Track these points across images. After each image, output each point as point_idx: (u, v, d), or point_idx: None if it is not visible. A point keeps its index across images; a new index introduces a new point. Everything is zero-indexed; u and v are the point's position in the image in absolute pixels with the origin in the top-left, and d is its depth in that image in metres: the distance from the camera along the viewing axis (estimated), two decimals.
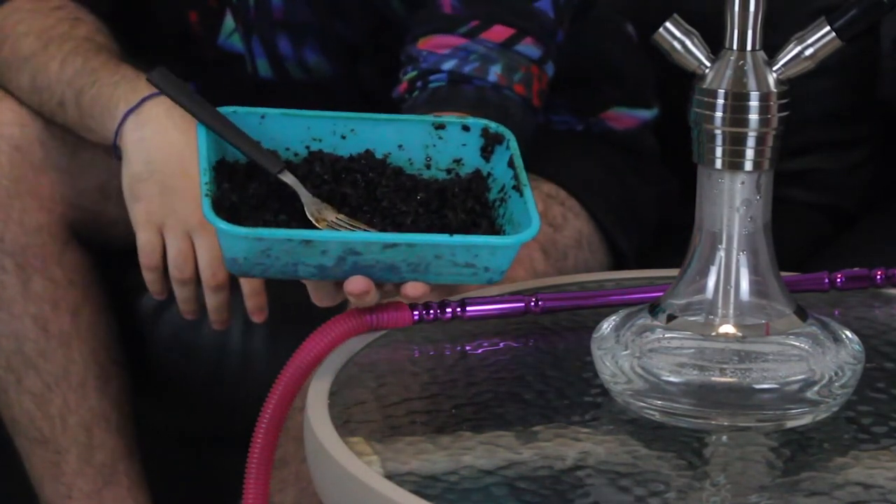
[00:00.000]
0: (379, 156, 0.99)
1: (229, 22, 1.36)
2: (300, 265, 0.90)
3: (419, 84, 1.23)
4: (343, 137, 1.00)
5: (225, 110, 0.98)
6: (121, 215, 1.32)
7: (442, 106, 1.19)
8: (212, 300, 1.20)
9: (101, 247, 1.34)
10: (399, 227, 0.95)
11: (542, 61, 1.24)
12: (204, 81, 1.35)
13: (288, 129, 0.99)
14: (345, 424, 0.86)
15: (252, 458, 0.93)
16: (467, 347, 0.98)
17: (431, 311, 0.96)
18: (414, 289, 0.92)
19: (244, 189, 0.96)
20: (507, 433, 0.87)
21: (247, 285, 1.19)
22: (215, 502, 1.36)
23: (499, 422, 0.89)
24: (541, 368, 0.97)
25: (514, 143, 0.99)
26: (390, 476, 0.81)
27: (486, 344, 0.98)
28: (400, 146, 1.00)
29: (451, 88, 1.21)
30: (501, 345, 0.98)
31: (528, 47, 1.24)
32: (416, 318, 0.95)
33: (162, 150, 1.17)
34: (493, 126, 1.00)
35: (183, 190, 1.16)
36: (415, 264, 0.90)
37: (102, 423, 1.32)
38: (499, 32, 1.23)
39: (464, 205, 0.97)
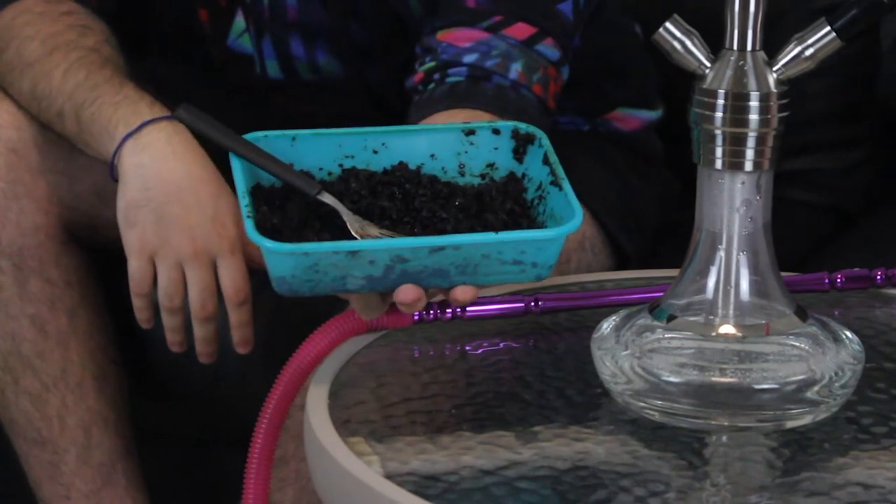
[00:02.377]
0: (412, 167, 1.00)
1: (239, 22, 1.36)
2: (349, 278, 0.90)
3: (437, 76, 1.23)
4: (375, 152, 1.00)
5: (255, 136, 0.99)
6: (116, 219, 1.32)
7: (460, 102, 1.19)
8: (200, 331, 1.19)
9: (98, 248, 1.33)
10: (441, 234, 0.94)
11: (559, 63, 1.25)
12: (209, 81, 1.35)
13: (320, 149, 0.99)
14: (345, 424, 0.86)
15: (252, 457, 0.93)
16: (467, 347, 0.98)
17: (432, 312, 0.96)
18: (464, 293, 0.92)
19: (283, 211, 0.96)
20: (507, 433, 0.87)
21: (234, 317, 1.18)
22: (214, 502, 1.36)
23: (499, 422, 0.90)
24: (541, 368, 0.97)
25: (546, 141, 0.99)
26: (390, 476, 0.81)
27: (486, 344, 0.98)
28: (432, 155, 1.00)
29: (470, 84, 1.21)
30: (501, 345, 0.99)
31: (548, 48, 1.24)
32: (417, 318, 0.96)
33: (160, 177, 1.16)
34: (524, 127, 1.01)
35: (178, 219, 1.15)
36: (462, 266, 0.90)
37: (100, 424, 1.32)
38: (521, 30, 1.23)
39: (503, 206, 0.97)
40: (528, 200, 0.98)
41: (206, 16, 1.37)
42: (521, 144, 1.00)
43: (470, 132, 1.01)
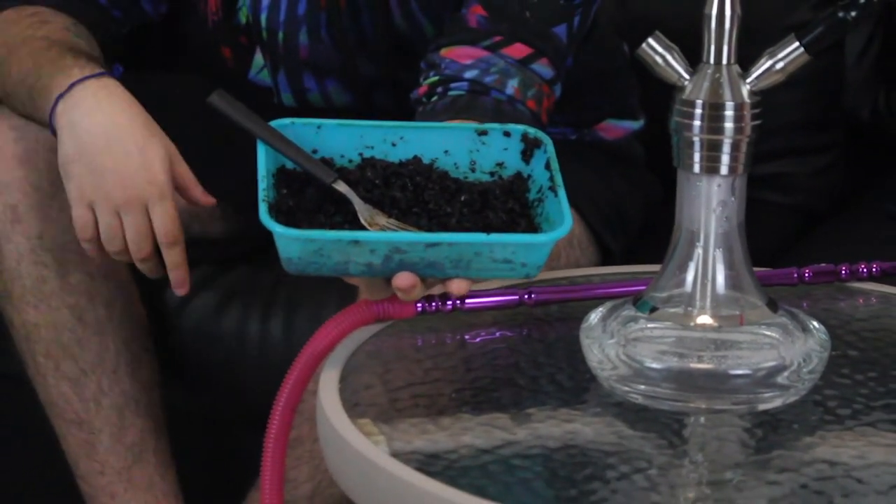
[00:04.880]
0: (426, 161, 0.99)
1: (259, 59, 1.36)
2: (351, 263, 0.90)
3: (440, 90, 1.22)
4: (393, 145, 0.99)
5: (283, 122, 0.98)
6: None
7: (461, 114, 1.19)
8: (140, 266, 1.18)
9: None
10: (444, 227, 0.94)
11: (552, 82, 1.24)
12: None
13: (342, 138, 0.99)
14: (354, 407, 0.86)
15: (269, 438, 0.93)
16: (466, 337, 0.98)
17: (433, 304, 0.96)
18: (459, 287, 0.92)
19: (301, 194, 0.95)
20: (502, 415, 0.87)
21: (168, 258, 1.17)
22: (235, 479, 1.36)
23: (495, 405, 0.89)
24: (533, 356, 0.97)
25: (550, 148, 0.98)
26: (396, 454, 0.81)
27: (483, 333, 0.98)
28: (446, 152, 1.00)
29: (470, 98, 1.21)
30: (498, 334, 0.98)
31: (543, 67, 1.24)
32: (420, 309, 0.95)
33: (89, 131, 1.14)
34: (532, 131, 1.00)
35: (109, 169, 1.14)
36: (456, 261, 0.90)
37: (133, 406, 1.32)
38: (519, 50, 1.23)
39: (504, 205, 0.97)
40: (529, 201, 0.98)
41: (229, 53, 1.37)
42: (529, 147, 1.00)
43: (483, 132, 1.01)
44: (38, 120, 1.21)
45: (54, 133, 1.16)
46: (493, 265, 0.90)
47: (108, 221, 1.15)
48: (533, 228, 0.95)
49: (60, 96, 1.15)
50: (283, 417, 0.92)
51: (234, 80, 1.35)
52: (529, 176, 0.99)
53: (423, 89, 1.23)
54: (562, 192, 0.94)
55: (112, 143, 1.13)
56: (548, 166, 0.97)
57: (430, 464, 0.80)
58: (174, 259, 1.16)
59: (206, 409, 1.41)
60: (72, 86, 1.15)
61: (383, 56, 1.34)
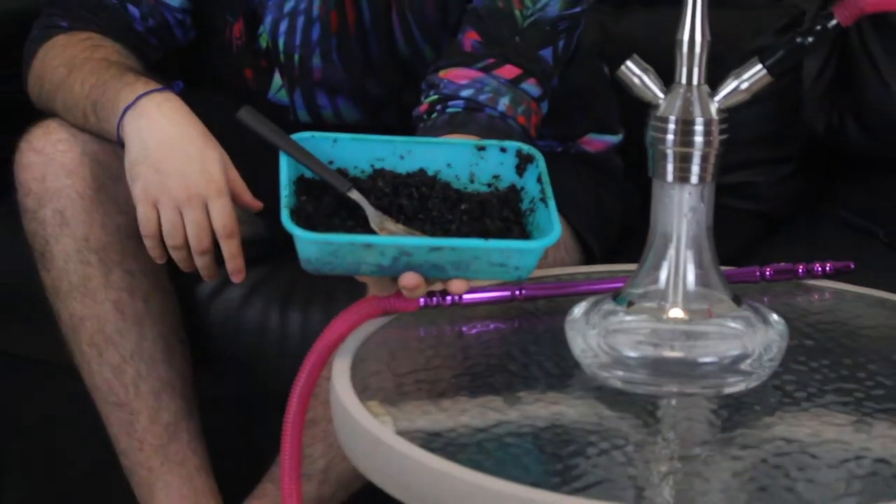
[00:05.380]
0: (431, 173, 0.99)
1: (277, 80, 1.36)
2: (362, 264, 0.89)
3: (439, 107, 1.22)
4: (401, 157, 0.99)
5: (303, 135, 0.98)
6: None
7: (458, 129, 1.19)
8: (199, 261, 1.18)
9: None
10: (446, 233, 0.94)
11: (540, 99, 1.24)
12: None
13: (356, 151, 0.98)
14: (364, 391, 0.86)
15: (288, 419, 0.93)
16: (464, 328, 0.98)
17: (434, 299, 0.95)
18: (458, 286, 0.92)
19: (319, 201, 0.95)
20: (496, 398, 0.87)
21: (225, 249, 1.17)
22: (258, 455, 1.36)
23: (489, 389, 0.89)
24: (524, 345, 0.97)
25: (542, 163, 0.98)
26: (401, 433, 0.81)
27: (479, 326, 0.98)
28: (448, 165, 0.99)
29: (466, 114, 1.21)
30: (492, 326, 0.98)
31: (531, 86, 1.23)
32: (422, 304, 0.95)
33: (154, 137, 1.15)
34: (526, 148, 0.99)
35: (173, 171, 1.14)
36: (457, 263, 0.90)
37: (168, 390, 1.32)
38: (509, 71, 1.23)
39: (500, 214, 0.96)
40: (522, 210, 0.97)
41: (250, 74, 1.37)
42: (523, 162, 0.99)
43: (481, 148, 1.00)
44: (98, 130, 1.22)
45: (120, 142, 1.17)
46: (489, 268, 0.90)
47: (171, 218, 1.15)
48: (525, 235, 0.95)
49: (128, 107, 1.16)
50: (301, 400, 0.92)
51: (255, 99, 1.35)
52: (522, 188, 0.99)
53: (423, 107, 1.23)
54: (552, 204, 0.94)
55: (175, 147, 1.14)
56: (539, 180, 0.96)
57: (431, 441, 0.80)
58: (232, 250, 1.16)
59: (232, 393, 1.42)
60: (138, 98, 1.16)
61: (388, 77, 1.34)
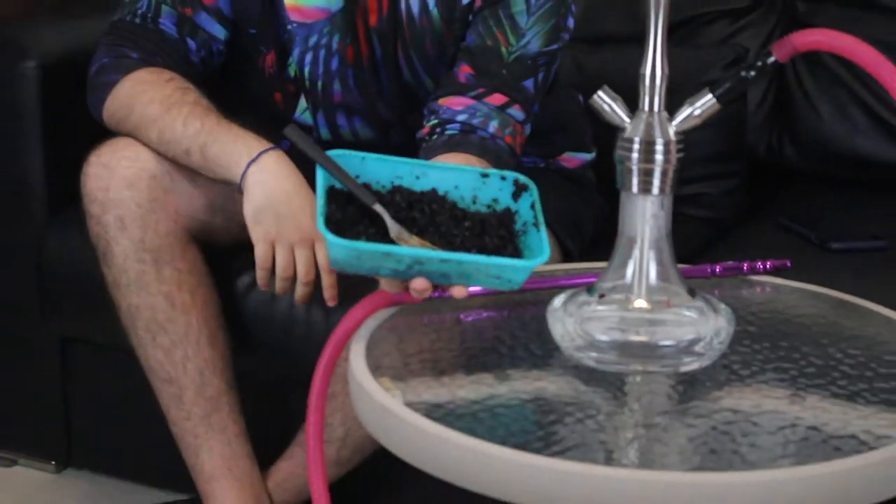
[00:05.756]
0: (441, 192, 0.97)
1: (303, 103, 1.36)
2: (381, 268, 0.89)
3: (438, 130, 1.23)
4: (417, 178, 0.97)
5: (336, 152, 0.96)
6: (223, 225, 1.32)
7: (455, 148, 1.19)
8: (302, 290, 1.20)
9: (210, 246, 1.33)
10: (451, 245, 0.92)
11: (524, 122, 1.25)
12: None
13: (380, 169, 0.97)
14: (376, 369, 0.86)
15: (312, 394, 0.93)
16: (461, 316, 0.98)
17: (436, 293, 0.95)
18: (459, 292, 0.91)
19: (345, 209, 0.94)
20: (488, 375, 0.87)
21: (326, 280, 1.20)
22: (287, 425, 1.36)
23: (482, 367, 0.89)
24: (512, 331, 0.97)
25: (535, 192, 0.96)
26: (408, 404, 0.81)
27: (474, 314, 0.98)
28: (456, 187, 0.97)
29: (461, 136, 1.21)
30: (485, 315, 0.98)
31: (516, 111, 1.24)
32: (426, 298, 0.95)
33: (276, 189, 1.17)
34: (522, 179, 0.98)
35: (290, 217, 1.17)
36: (460, 273, 0.89)
37: (211, 369, 1.32)
38: (497, 98, 1.23)
39: (497, 232, 0.95)
40: (515, 231, 0.96)
41: (280, 98, 1.37)
42: (518, 190, 0.97)
43: (485, 175, 0.98)
44: (203, 168, 1.23)
45: (240, 189, 1.18)
46: (487, 279, 0.89)
47: (286, 256, 1.18)
48: (517, 253, 0.94)
49: (251, 162, 1.17)
50: (323, 378, 0.92)
51: (284, 120, 1.35)
52: (517, 211, 0.97)
53: (425, 130, 1.24)
54: (543, 229, 0.93)
55: (290, 198, 1.16)
56: (533, 207, 0.95)
57: (433, 411, 0.80)
58: (331, 281, 1.20)
59: (265, 372, 1.41)
60: (259, 154, 1.18)
61: (396, 102, 1.34)
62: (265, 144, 1.19)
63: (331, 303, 1.20)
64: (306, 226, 1.16)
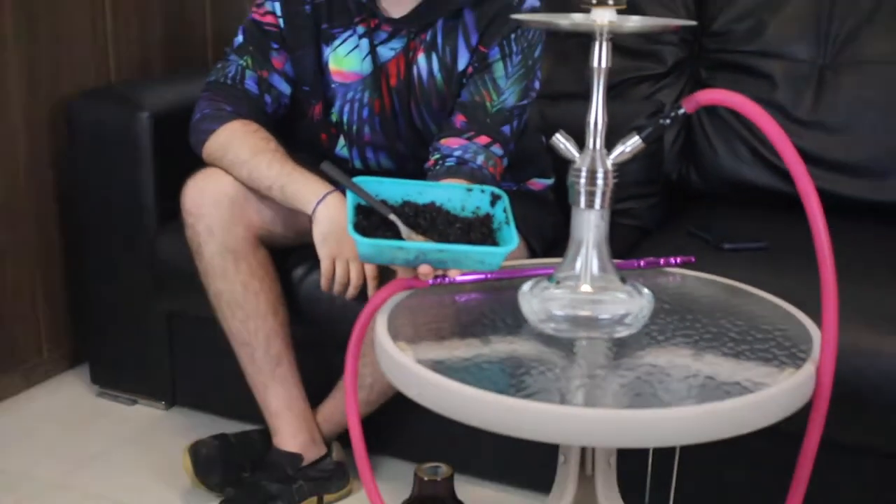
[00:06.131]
0: (437, 204, 0.98)
1: (341, 141, 1.36)
2: (395, 258, 0.90)
3: (440, 162, 1.23)
4: (420, 194, 0.97)
5: (361, 178, 0.96)
6: (282, 233, 1.32)
7: (452, 175, 1.20)
8: (353, 292, 1.21)
9: (273, 247, 1.34)
10: (446, 241, 0.93)
11: (502, 157, 1.25)
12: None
13: (393, 189, 0.97)
14: (395, 335, 0.86)
15: (349, 353, 0.93)
16: (456, 297, 0.98)
17: (438, 280, 0.95)
18: (454, 274, 0.93)
19: (369, 219, 0.95)
20: (475, 339, 0.87)
21: (371, 285, 1.20)
22: (330, 376, 1.36)
23: (471, 334, 0.89)
24: (493, 308, 0.96)
25: (506, 200, 0.97)
26: (418, 361, 0.81)
27: (465, 296, 0.98)
28: (448, 199, 0.98)
29: (457, 167, 1.22)
30: (473, 296, 0.98)
31: (497, 149, 1.24)
32: (431, 283, 0.95)
33: (336, 221, 1.18)
34: (497, 191, 0.98)
35: (347, 242, 1.18)
36: (453, 260, 0.90)
37: (274, 335, 1.32)
38: (483, 139, 1.23)
39: (480, 230, 0.96)
40: (493, 229, 0.97)
41: (324, 137, 1.38)
42: (494, 200, 0.98)
43: (469, 189, 0.99)
44: (283, 201, 1.23)
45: (310, 220, 1.19)
46: (473, 263, 0.90)
47: (343, 268, 1.19)
48: (494, 244, 0.95)
49: (320, 201, 1.19)
50: (356, 342, 0.92)
51: (327, 154, 1.36)
52: (493, 215, 0.98)
53: (431, 162, 1.24)
54: (512, 225, 0.94)
55: (346, 227, 1.16)
56: (505, 211, 0.96)
57: (436, 366, 0.81)
58: (375, 284, 1.21)
59: (313, 338, 1.40)
60: (326, 195, 1.19)
61: (410, 142, 1.34)
62: (328, 188, 1.19)
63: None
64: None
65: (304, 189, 1.20)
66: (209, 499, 1.34)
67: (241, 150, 1.26)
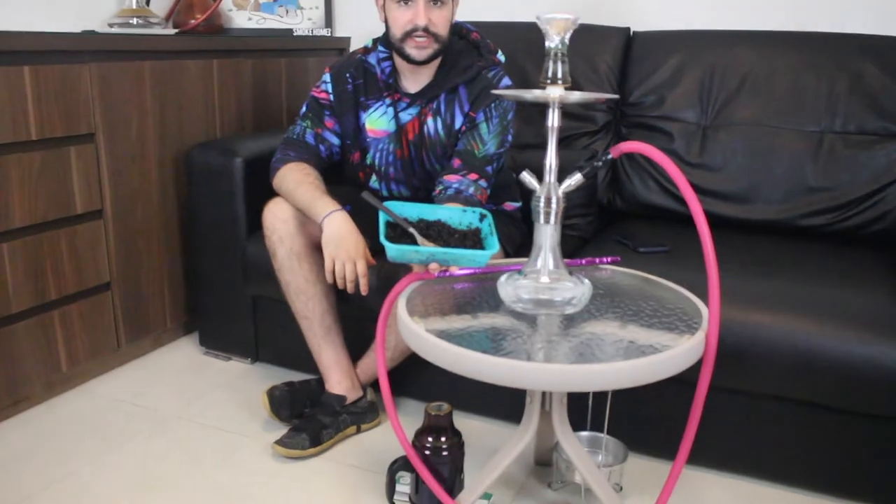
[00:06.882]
0: (443, 221, 0.97)
1: (374, 178, 1.36)
2: (413, 258, 0.89)
3: (443, 191, 1.22)
4: (430, 213, 0.97)
5: (390, 203, 0.96)
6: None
7: (452, 201, 1.19)
8: (350, 286, 1.16)
9: (321, 251, 1.32)
10: (448, 247, 0.92)
11: (487, 188, 1.24)
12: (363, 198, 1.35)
13: (412, 210, 0.97)
14: (412, 312, 0.86)
15: (379, 325, 0.92)
16: (454, 286, 0.97)
17: (443, 272, 0.94)
18: (453, 269, 0.92)
19: (395, 231, 0.94)
20: (468, 315, 0.87)
21: (362, 283, 1.14)
22: (364, 340, 1.35)
23: (465, 311, 0.89)
24: (480, 294, 0.96)
25: (490, 218, 0.97)
26: (428, 330, 0.81)
27: (460, 285, 0.97)
28: (450, 217, 0.97)
29: (455, 195, 1.21)
30: (466, 285, 0.98)
31: (482, 182, 1.23)
32: (437, 275, 0.94)
33: (336, 231, 1.14)
34: (484, 211, 0.98)
35: (344, 246, 1.14)
36: (454, 260, 0.89)
37: (327, 312, 1.30)
38: (473, 176, 1.22)
39: (472, 240, 0.95)
40: (481, 238, 0.96)
41: (362, 175, 1.36)
42: (482, 217, 0.98)
43: (464, 210, 0.98)
44: (308, 215, 1.20)
45: (320, 228, 1.15)
46: (467, 262, 0.90)
47: (341, 266, 1.14)
48: (482, 248, 0.94)
49: (327, 216, 1.15)
50: (384, 316, 0.92)
51: (364, 186, 1.35)
52: (481, 229, 0.97)
53: (437, 192, 1.23)
54: (495, 236, 0.94)
55: (344, 236, 1.14)
56: (489, 225, 0.96)
57: (440, 333, 0.80)
58: (364, 281, 1.15)
59: (354, 313, 1.37)
60: (331, 212, 1.15)
61: (421, 178, 1.33)
62: (335, 206, 1.18)
63: (364, 292, 1.16)
64: (352, 251, 1.13)
65: (319, 207, 1.19)
66: (281, 427, 1.34)
67: (290, 181, 1.26)
